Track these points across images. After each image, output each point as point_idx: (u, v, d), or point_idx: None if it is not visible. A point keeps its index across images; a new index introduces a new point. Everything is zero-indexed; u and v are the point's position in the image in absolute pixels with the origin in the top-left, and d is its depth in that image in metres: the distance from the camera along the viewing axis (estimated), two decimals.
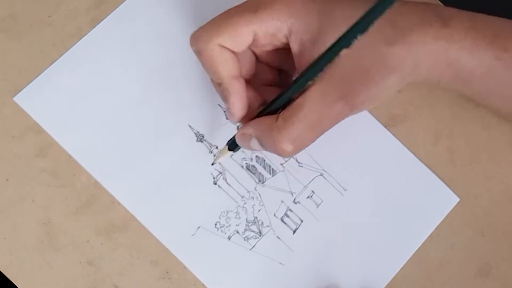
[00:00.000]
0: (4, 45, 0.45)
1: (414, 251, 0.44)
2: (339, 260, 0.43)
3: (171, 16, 0.46)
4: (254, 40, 0.38)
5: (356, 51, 0.36)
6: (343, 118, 0.38)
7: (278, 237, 0.44)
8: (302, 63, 0.38)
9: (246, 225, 0.44)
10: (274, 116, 0.38)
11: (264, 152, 0.44)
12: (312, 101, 0.37)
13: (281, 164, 0.44)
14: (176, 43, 0.45)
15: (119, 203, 0.43)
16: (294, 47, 0.38)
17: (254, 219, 0.44)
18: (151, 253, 0.43)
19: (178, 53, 0.45)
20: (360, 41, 0.34)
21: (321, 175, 0.44)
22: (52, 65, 0.44)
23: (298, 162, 0.44)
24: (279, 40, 0.39)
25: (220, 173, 0.44)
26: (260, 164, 0.44)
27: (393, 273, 0.43)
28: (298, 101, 0.37)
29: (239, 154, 0.44)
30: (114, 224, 0.43)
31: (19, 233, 0.43)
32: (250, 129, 0.39)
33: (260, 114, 0.39)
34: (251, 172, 0.44)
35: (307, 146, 0.38)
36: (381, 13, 0.33)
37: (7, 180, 0.43)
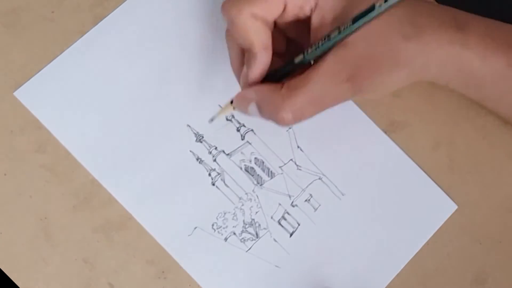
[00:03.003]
0: (6, 40, 0.45)
1: (411, 257, 0.44)
2: (335, 265, 0.43)
3: (173, 15, 0.45)
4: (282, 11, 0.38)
5: (372, 38, 0.36)
6: (344, 100, 0.39)
7: (274, 240, 0.44)
8: (317, 38, 0.38)
9: (243, 226, 0.43)
10: (278, 84, 0.38)
11: (263, 154, 0.44)
12: (320, 76, 0.37)
13: (280, 167, 0.44)
14: (178, 42, 0.45)
15: (117, 201, 0.43)
16: (314, 22, 0.38)
17: (251, 221, 0.44)
18: (147, 252, 0.43)
19: (179, 52, 0.45)
20: (378, 30, 0.35)
21: (319, 179, 0.44)
22: (54, 61, 0.44)
23: (297, 165, 0.44)
24: (304, 13, 0.39)
25: (219, 174, 0.44)
26: (259, 166, 0.44)
27: (389, 279, 0.43)
28: (307, 73, 0.38)
29: (238, 155, 0.44)
30: (111, 222, 0.43)
31: (16, 229, 0.43)
32: (252, 93, 0.39)
33: (261, 81, 0.39)
34: (250, 174, 0.44)
35: (305, 119, 0.38)
36: None
37: (5, 175, 0.43)
